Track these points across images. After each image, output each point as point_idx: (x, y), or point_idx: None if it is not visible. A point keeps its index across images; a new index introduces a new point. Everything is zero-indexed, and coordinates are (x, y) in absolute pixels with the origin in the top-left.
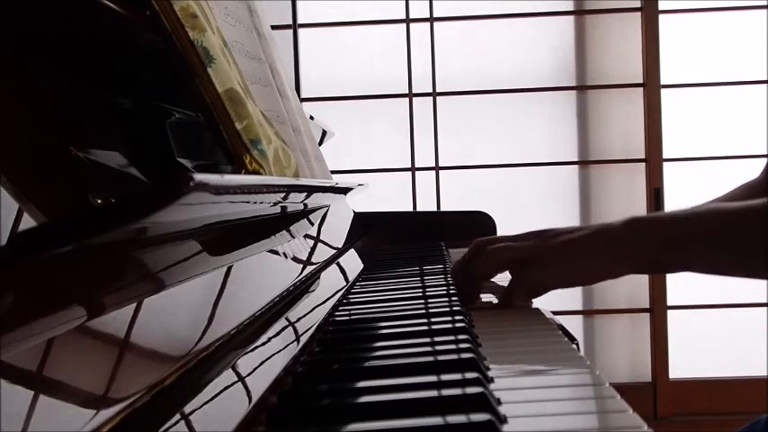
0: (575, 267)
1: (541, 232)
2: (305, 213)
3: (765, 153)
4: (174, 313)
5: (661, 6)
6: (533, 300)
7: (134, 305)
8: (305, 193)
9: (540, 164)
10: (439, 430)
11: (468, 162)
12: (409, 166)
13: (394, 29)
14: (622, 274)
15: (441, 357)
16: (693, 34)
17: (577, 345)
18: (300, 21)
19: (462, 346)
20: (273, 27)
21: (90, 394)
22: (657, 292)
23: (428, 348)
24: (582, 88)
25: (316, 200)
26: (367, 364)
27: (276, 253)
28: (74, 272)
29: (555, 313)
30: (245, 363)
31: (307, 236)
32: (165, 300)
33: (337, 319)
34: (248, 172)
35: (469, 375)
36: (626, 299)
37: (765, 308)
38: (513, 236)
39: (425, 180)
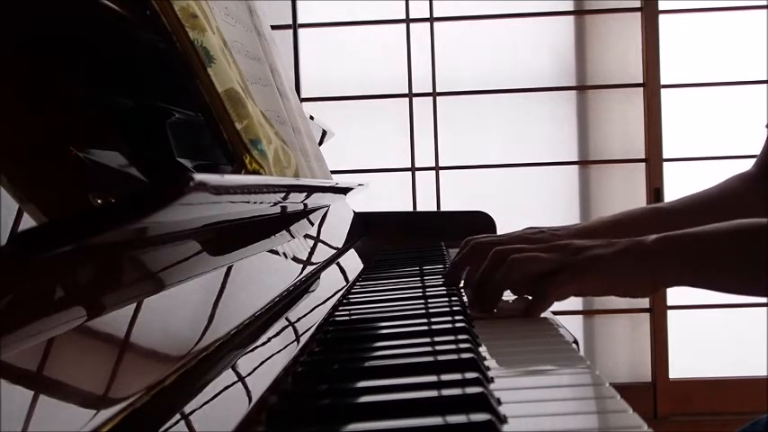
0: (602, 283)
1: (560, 243)
2: (305, 213)
3: None
4: (174, 313)
5: (661, 6)
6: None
7: (134, 305)
8: (305, 193)
9: (540, 164)
10: (439, 430)
11: (469, 162)
12: (409, 166)
13: (394, 29)
14: (647, 292)
15: (441, 357)
16: (693, 34)
17: (577, 345)
18: (300, 21)
19: (462, 345)
20: (273, 27)
21: (90, 394)
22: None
23: (428, 348)
24: (582, 88)
25: (316, 200)
26: (367, 364)
27: (276, 253)
28: (74, 272)
29: (555, 313)
30: (245, 363)
31: (307, 236)
32: (165, 300)
33: (337, 319)
34: (248, 172)
35: (469, 375)
36: (626, 299)
37: (765, 308)
38: (507, 234)
39: (425, 180)
